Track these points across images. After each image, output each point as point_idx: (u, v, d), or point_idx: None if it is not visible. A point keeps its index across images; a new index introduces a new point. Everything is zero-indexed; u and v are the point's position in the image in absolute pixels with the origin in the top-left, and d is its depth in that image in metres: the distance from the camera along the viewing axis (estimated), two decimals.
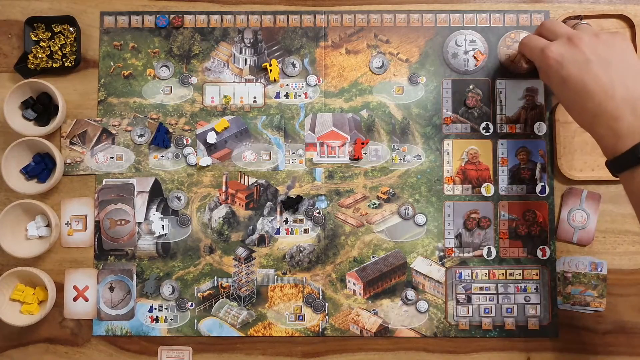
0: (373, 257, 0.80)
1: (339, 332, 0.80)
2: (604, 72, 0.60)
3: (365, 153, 0.82)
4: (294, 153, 0.82)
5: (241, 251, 0.81)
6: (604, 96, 0.59)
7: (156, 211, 0.81)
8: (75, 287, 0.80)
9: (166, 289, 0.80)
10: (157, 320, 0.80)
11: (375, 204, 0.81)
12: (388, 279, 0.80)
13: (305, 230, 0.81)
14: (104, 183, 0.81)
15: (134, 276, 0.80)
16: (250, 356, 0.80)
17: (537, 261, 0.80)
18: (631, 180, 0.60)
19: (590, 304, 0.79)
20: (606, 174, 0.80)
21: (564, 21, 0.80)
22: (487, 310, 0.80)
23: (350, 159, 0.82)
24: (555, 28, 0.67)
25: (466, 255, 0.80)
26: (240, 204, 0.81)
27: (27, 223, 0.80)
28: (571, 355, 0.79)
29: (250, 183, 0.81)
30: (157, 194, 0.81)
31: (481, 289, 0.80)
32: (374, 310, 0.80)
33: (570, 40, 0.63)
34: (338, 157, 0.82)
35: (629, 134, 0.58)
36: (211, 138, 0.81)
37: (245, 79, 0.83)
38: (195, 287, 0.80)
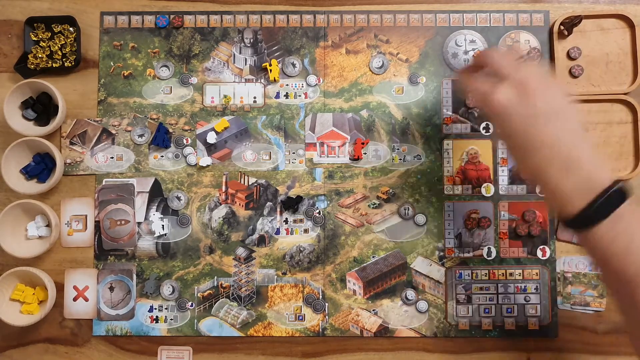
0: (373, 257, 0.80)
1: (339, 332, 0.80)
2: (551, 126, 0.53)
3: (365, 153, 0.82)
4: (294, 153, 0.82)
5: (241, 251, 0.81)
6: (549, 152, 0.53)
7: (156, 211, 0.81)
8: (75, 287, 0.80)
9: (166, 289, 0.80)
10: (157, 320, 0.80)
11: (375, 204, 0.81)
12: (388, 279, 0.80)
13: (305, 230, 0.81)
14: (104, 183, 0.81)
15: (134, 276, 0.80)
16: (250, 356, 0.80)
17: (537, 261, 0.80)
18: (588, 240, 0.53)
19: (590, 304, 0.79)
20: None
21: (565, 19, 0.80)
22: (487, 310, 0.80)
23: (350, 159, 0.82)
24: (500, 66, 0.57)
25: (466, 255, 0.80)
26: (240, 204, 0.81)
27: (27, 223, 0.80)
28: (571, 355, 0.79)
29: (250, 183, 0.81)
30: (157, 194, 0.81)
31: (481, 289, 0.80)
32: (374, 310, 0.80)
33: (520, 86, 0.54)
34: (338, 157, 0.82)
35: (576, 193, 0.52)
36: (211, 138, 0.81)
37: (245, 79, 0.83)
38: (195, 287, 0.80)
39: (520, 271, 0.80)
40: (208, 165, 0.81)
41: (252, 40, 0.83)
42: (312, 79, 0.82)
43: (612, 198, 0.50)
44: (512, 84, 0.55)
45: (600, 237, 0.51)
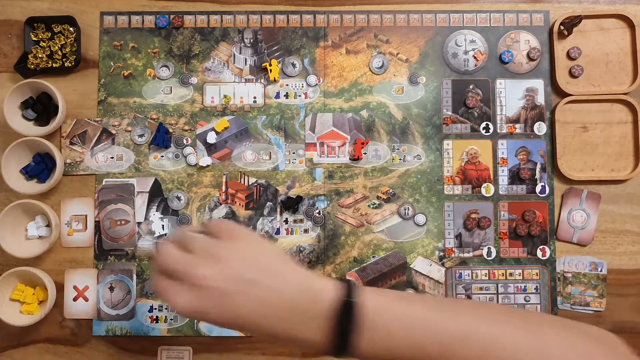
0: (373, 257, 0.80)
1: None
2: (247, 293, 0.47)
3: (365, 153, 0.82)
4: (294, 153, 0.82)
5: None
6: (266, 316, 0.47)
7: (156, 211, 0.81)
8: (75, 287, 0.80)
9: None
10: (157, 320, 0.80)
11: (375, 204, 0.81)
12: (388, 279, 0.80)
13: (305, 230, 0.81)
14: (104, 183, 0.81)
15: (134, 276, 0.80)
16: (250, 356, 0.80)
17: (537, 261, 0.80)
18: (358, 355, 0.48)
19: (590, 304, 0.79)
20: (606, 174, 0.81)
21: (565, 19, 0.80)
22: None
23: (350, 159, 0.82)
24: (166, 265, 0.49)
25: (466, 255, 0.80)
26: (240, 204, 0.81)
27: (27, 223, 0.80)
28: None
29: (250, 183, 0.81)
30: (157, 194, 0.81)
31: (481, 289, 0.80)
32: None
33: (189, 279, 0.47)
34: (338, 157, 0.82)
35: (312, 334, 0.47)
36: (211, 138, 0.81)
37: (245, 79, 0.83)
38: None
39: (520, 271, 0.80)
40: (208, 165, 0.81)
41: (252, 40, 0.83)
42: (312, 79, 0.82)
43: (342, 317, 0.46)
44: (184, 283, 0.47)
45: (365, 350, 0.47)
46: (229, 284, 0.47)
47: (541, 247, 0.80)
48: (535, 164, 0.81)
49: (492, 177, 0.81)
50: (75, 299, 0.80)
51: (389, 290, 0.50)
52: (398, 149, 0.82)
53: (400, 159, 0.82)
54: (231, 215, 0.81)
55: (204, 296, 0.47)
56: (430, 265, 0.80)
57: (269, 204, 0.81)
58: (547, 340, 0.45)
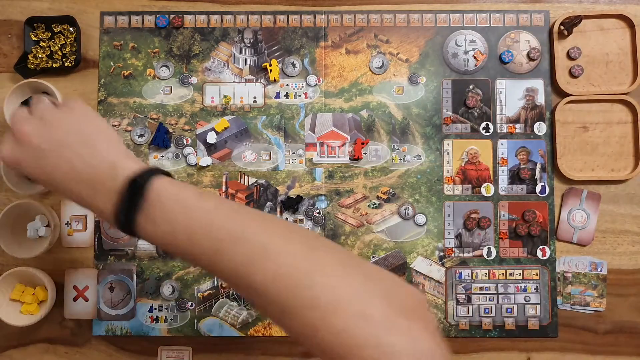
0: (373, 257, 0.80)
1: None
2: (60, 156, 0.52)
3: (365, 153, 0.82)
4: (294, 153, 0.82)
5: None
6: (72, 181, 0.52)
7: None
8: (75, 287, 0.80)
9: (166, 289, 0.80)
10: (157, 320, 0.80)
11: (375, 204, 0.81)
12: None
13: None
14: None
15: (134, 276, 0.80)
16: (250, 356, 0.80)
17: (537, 261, 0.80)
18: (144, 237, 0.52)
19: (590, 304, 0.79)
20: (606, 174, 0.81)
21: (565, 19, 0.80)
22: (487, 310, 0.80)
23: (350, 159, 0.82)
24: (11, 119, 0.56)
25: (466, 255, 0.80)
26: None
27: (27, 223, 0.80)
28: (571, 355, 0.79)
29: (250, 183, 0.81)
30: None
31: (481, 289, 0.80)
32: None
33: (16, 133, 0.54)
34: (338, 157, 0.82)
35: (105, 205, 0.51)
36: (211, 138, 0.81)
37: (245, 79, 0.83)
38: (195, 287, 0.80)
39: (520, 271, 0.80)
40: (208, 165, 0.81)
41: (252, 40, 0.83)
42: (312, 79, 0.82)
43: (128, 194, 0.50)
44: (12, 136, 0.54)
45: (148, 232, 0.50)
46: (45, 144, 0.53)
47: (541, 247, 0.80)
48: (535, 164, 0.81)
49: (492, 177, 0.81)
50: (75, 299, 0.80)
51: (185, 183, 0.53)
52: (398, 149, 0.82)
53: (400, 159, 0.82)
54: None
55: (22, 150, 0.53)
56: (430, 265, 0.80)
57: (269, 204, 0.81)
58: (319, 261, 0.46)
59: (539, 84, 0.82)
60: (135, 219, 0.50)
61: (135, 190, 0.50)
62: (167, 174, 0.52)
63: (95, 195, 0.52)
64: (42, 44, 0.82)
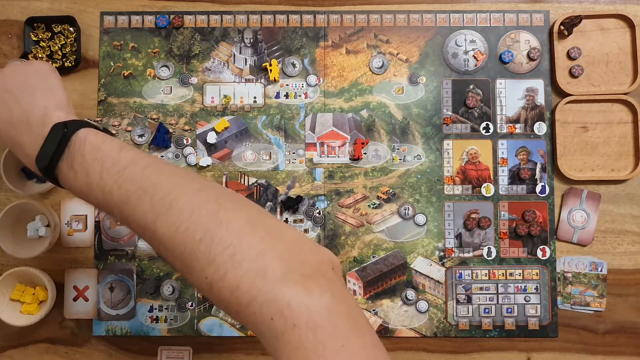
0: (373, 257, 0.80)
1: None
2: (2, 101, 0.56)
3: (365, 153, 0.82)
4: (294, 153, 0.82)
5: None
6: (6, 122, 0.55)
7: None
8: (75, 287, 0.80)
9: (166, 289, 0.80)
10: (157, 320, 0.80)
11: (375, 204, 0.81)
12: (388, 279, 0.80)
13: (306, 230, 0.81)
14: None
15: (134, 276, 0.80)
16: (250, 356, 0.80)
17: (537, 261, 0.80)
18: (65, 185, 0.54)
19: (590, 304, 0.79)
20: (606, 174, 0.81)
21: (565, 19, 0.80)
22: (487, 310, 0.80)
23: (350, 159, 0.82)
24: None
25: (466, 255, 0.80)
26: None
27: (27, 223, 0.80)
28: (571, 355, 0.79)
29: (250, 183, 0.81)
30: None
31: (481, 289, 0.80)
32: (374, 310, 0.80)
33: None
34: (338, 157, 0.82)
35: (31, 148, 0.54)
36: (211, 138, 0.81)
37: (245, 79, 0.83)
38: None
39: (520, 271, 0.80)
40: (208, 165, 0.81)
41: (252, 40, 0.83)
42: (312, 79, 0.82)
43: (51, 138, 0.52)
44: None
45: (67, 179, 0.53)
46: None
47: (541, 247, 0.80)
48: (535, 164, 0.81)
49: (492, 177, 0.81)
50: (75, 299, 0.80)
51: (115, 138, 0.55)
52: (398, 149, 0.82)
53: (400, 159, 0.82)
54: None
55: None
56: (430, 265, 0.80)
57: (269, 204, 0.81)
58: (222, 218, 0.46)
59: (539, 84, 0.82)
60: (58, 166, 0.52)
61: (60, 136, 0.52)
62: (99, 128, 0.55)
63: (24, 139, 0.54)
64: (42, 44, 0.82)
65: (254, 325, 0.43)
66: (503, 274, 0.80)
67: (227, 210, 0.47)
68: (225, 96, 0.83)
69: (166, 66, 0.83)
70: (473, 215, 0.81)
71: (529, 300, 0.80)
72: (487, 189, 0.81)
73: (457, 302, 0.80)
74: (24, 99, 0.55)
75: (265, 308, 0.41)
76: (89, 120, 0.56)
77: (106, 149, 0.52)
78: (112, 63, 0.83)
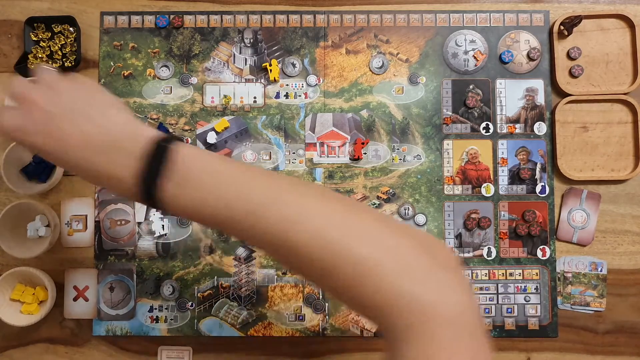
0: None
1: (339, 332, 0.80)
2: (74, 123, 0.49)
3: (365, 153, 0.82)
4: (294, 153, 0.82)
5: (241, 251, 0.81)
6: (87, 149, 0.48)
7: (156, 211, 0.81)
8: (75, 287, 0.80)
9: (166, 289, 0.80)
10: (157, 320, 0.80)
11: (375, 204, 0.81)
12: None
13: None
14: None
15: (134, 276, 0.80)
16: (250, 356, 0.80)
17: (537, 261, 0.80)
18: (168, 206, 0.49)
19: (590, 304, 0.80)
20: (606, 174, 0.81)
21: (565, 19, 0.80)
22: (487, 310, 0.80)
23: (350, 159, 0.82)
24: (11, 89, 0.51)
25: (466, 255, 0.80)
26: None
27: (27, 223, 0.80)
28: (571, 355, 0.79)
29: None
30: None
31: (481, 289, 0.80)
32: None
33: (24, 102, 0.50)
34: (338, 157, 0.82)
35: (125, 172, 0.48)
36: (211, 138, 0.81)
37: (245, 79, 0.83)
38: (195, 287, 0.80)
39: (520, 271, 0.80)
40: None
41: (252, 40, 0.83)
42: (312, 79, 0.82)
43: (155, 156, 0.47)
44: (18, 105, 0.50)
45: (174, 199, 0.47)
46: (55, 108, 0.49)
47: (541, 247, 0.80)
48: (535, 164, 0.81)
49: (492, 177, 0.81)
50: (75, 299, 0.80)
51: (205, 149, 0.51)
52: (398, 149, 0.82)
53: (400, 159, 0.82)
54: None
55: (31, 118, 0.49)
56: None
57: None
58: (355, 219, 0.46)
59: (539, 84, 0.82)
60: (161, 186, 0.47)
61: (161, 152, 0.47)
62: (177, 135, 0.50)
63: (111, 161, 0.48)
64: (42, 44, 0.82)
65: (385, 318, 0.43)
66: (503, 274, 0.80)
67: (358, 210, 0.48)
68: (225, 96, 0.83)
69: (166, 66, 0.83)
70: (473, 215, 0.81)
71: (529, 300, 0.80)
72: (487, 189, 0.81)
73: None
74: (98, 116, 0.49)
75: (410, 305, 0.42)
76: (173, 133, 0.51)
77: (211, 160, 0.48)
78: (112, 63, 0.83)
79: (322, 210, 0.46)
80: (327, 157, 0.82)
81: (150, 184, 0.47)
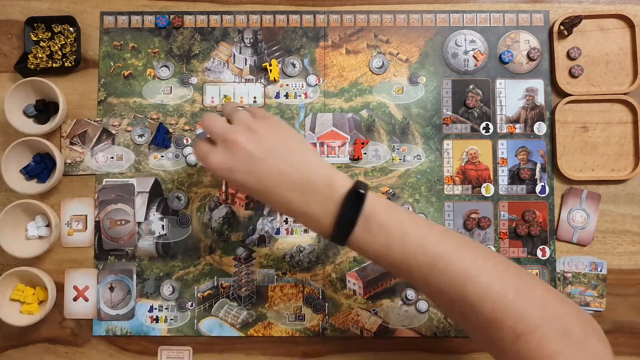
0: None
1: (339, 332, 0.80)
2: (272, 163, 0.55)
3: (365, 153, 0.82)
4: None
5: (241, 251, 0.81)
6: (285, 187, 0.55)
7: (156, 211, 0.81)
8: (75, 287, 0.80)
9: (166, 289, 0.80)
10: (157, 320, 0.80)
11: None
12: (388, 278, 0.80)
13: (305, 230, 0.81)
14: (104, 183, 0.81)
15: (134, 276, 0.80)
16: (250, 356, 0.80)
17: (537, 261, 0.80)
18: (359, 249, 0.56)
19: (590, 304, 0.80)
20: (606, 174, 0.81)
21: (565, 19, 0.80)
22: None
23: (350, 159, 0.82)
24: (210, 128, 0.59)
25: None
26: (240, 204, 0.81)
27: (27, 223, 0.80)
28: None
29: None
30: (157, 194, 0.81)
31: None
32: (373, 310, 0.80)
33: (226, 142, 0.57)
34: (338, 157, 0.82)
35: (322, 213, 0.55)
36: None
37: (245, 79, 0.83)
38: (195, 287, 0.80)
39: None
40: None
41: (252, 40, 0.83)
42: (312, 79, 0.82)
43: (353, 202, 0.53)
44: (222, 143, 0.57)
45: (363, 242, 0.54)
46: (258, 151, 0.55)
47: (541, 247, 0.80)
48: (535, 164, 0.81)
49: (492, 177, 0.81)
50: (75, 299, 0.80)
51: (388, 200, 0.60)
52: (398, 149, 0.82)
53: (400, 159, 0.82)
54: (231, 216, 0.81)
55: (235, 157, 0.56)
56: None
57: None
58: (522, 280, 0.52)
59: (539, 84, 0.82)
60: (354, 231, 0.53)
61: (357, 203, 0.53)
62: (364, 183, 0.56)
63: (309, 203, 0.55)
64: (42, 44, 0.82)
65: None
66: None
67: (522, 272, 0.54)
68: (225, 96, 0.83)
69: (166, 66, 0.83)
70: (473, 215, 0.81)
71: None
72: (487, 189, 0.81)
73: None
74: (296, 161, 0.56)
75: None
76: (360, 180, 0.57)
77: (398, 211, 0.55)
78: (112, 63, 0.83)
79: (496, 268, 0.52)
80: (327, 157, 0.82)
81: (346, 229, 0.54)
